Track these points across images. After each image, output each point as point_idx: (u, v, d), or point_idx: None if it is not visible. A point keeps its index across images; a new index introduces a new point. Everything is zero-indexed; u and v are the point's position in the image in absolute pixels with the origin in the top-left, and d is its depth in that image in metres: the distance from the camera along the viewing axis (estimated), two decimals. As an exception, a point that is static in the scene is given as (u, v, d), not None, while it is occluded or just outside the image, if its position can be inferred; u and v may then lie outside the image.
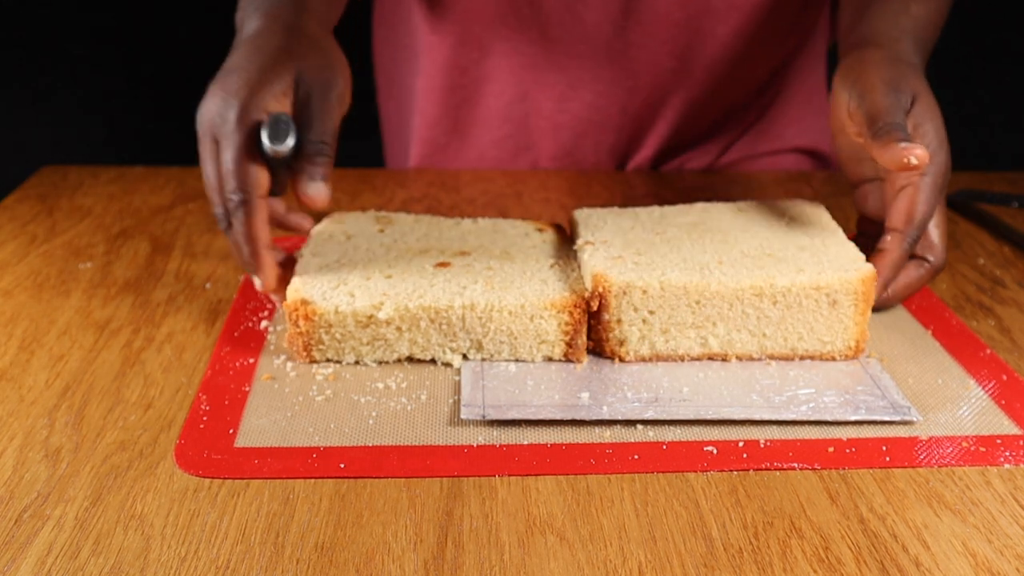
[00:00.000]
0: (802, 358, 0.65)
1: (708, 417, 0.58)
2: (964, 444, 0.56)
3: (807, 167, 1.09)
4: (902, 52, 0.73)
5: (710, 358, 0.65)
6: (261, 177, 0.63)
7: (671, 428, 0.57)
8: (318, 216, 0.75)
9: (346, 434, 0.57)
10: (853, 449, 0.56)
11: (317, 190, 0.64)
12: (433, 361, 0.65)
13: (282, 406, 0.59)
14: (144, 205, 0.93)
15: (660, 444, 0.56)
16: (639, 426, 0.58)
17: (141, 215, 0.91)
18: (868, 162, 0.71)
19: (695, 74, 0.98)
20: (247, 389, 0.61)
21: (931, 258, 0.69)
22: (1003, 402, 0.61)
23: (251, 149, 0.62)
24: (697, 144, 1.07)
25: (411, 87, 1.06)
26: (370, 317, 0.63)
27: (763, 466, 0.54)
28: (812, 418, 0.58)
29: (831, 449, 0.56)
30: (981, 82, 1.66)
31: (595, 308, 0.64)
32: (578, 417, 0.58)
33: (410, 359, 0.65)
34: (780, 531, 0.49)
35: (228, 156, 0.62)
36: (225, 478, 0.53)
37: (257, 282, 0.66)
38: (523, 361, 0.64)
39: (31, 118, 1.57)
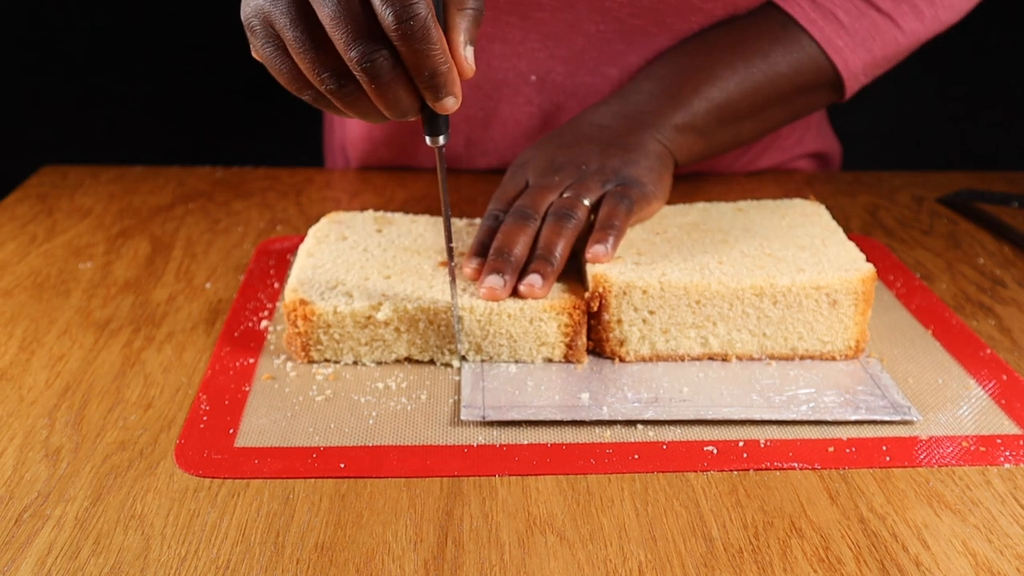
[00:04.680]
0: (802, 358, 0.65)
1: (708, 417, 0.58)
2: (964, 444, 0.56)
3: (813, 167, 1.09)
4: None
5: (710, 358, 0.65)
6: None
7: (671, 428, 0.57)
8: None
9: (346, 434, 0.57)
10: (853, 449, 0.56)
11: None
12: (432, 361, 0.65)
13: (282, 406, 0.59)
14: (144, 205, 0.93)
15: (660, 444, 0.56)
16: (639, 426, 0.58)
17: (141, 215, 0.91)
18: None
19: None
20: (247, 389, 0.61)
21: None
22: (1003, 402, 0.61)
23: None
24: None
25: None
26: (368, 318, 0.63)
27: (763, 466, 0.54)
28: (812, 418, 0.58)
29: (831, 449, 0.56)
30: (981, 82, 1.66)
31: (595, 308, 0.64)
32: (578, 418, 0.58)
33: (409, 359, 0.65)
34: (780, 531, 0.49)
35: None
36: (225, 478, 0.53)
37: (449, 102, 0.54)
38: (523, 362, 0.64)
39: (31, 118, 1.57)
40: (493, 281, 0.63)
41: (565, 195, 0.70)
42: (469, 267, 0.66)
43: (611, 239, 0.66)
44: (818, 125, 1.08)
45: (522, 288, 0.64)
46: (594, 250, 0.65)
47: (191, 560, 0.47)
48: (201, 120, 1.61)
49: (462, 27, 0.53)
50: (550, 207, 0.69)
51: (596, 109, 0.80)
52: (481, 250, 0.67)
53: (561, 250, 0.66)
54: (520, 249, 0.66)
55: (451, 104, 0.54)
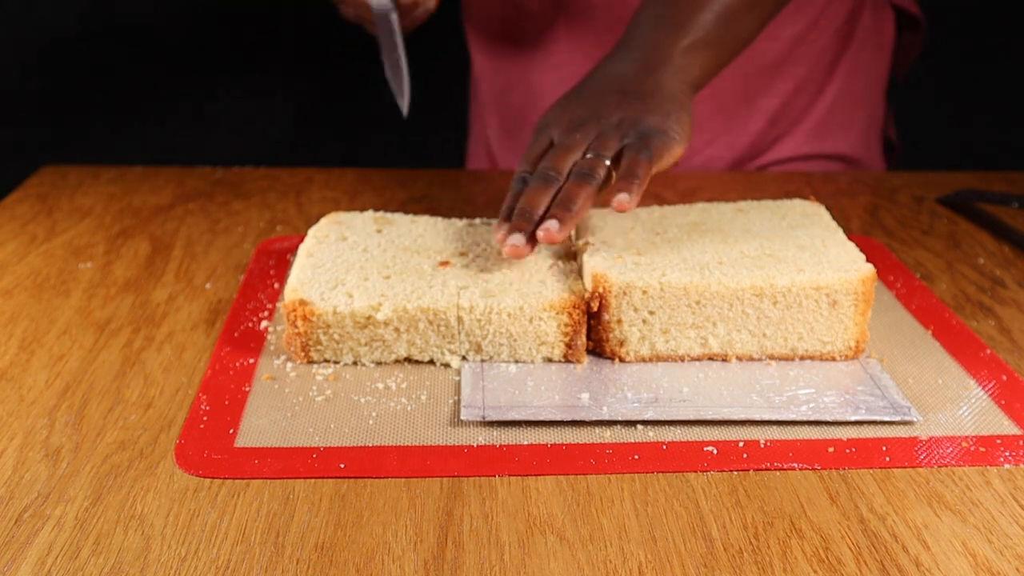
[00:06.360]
0: (802, 358, 0.65)
1: (708, 417, 0.58)
2: (964, 444, 0.56)
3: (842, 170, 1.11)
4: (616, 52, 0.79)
5: (710, 358, 0.65)
6: None
7: (671, 428, 0.57)
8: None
9: (346, 434, 0.57)
10: (853, 449, 0.56)
11: None
12: (432, 361, 0.65)
13: (282, 406, 0.59)
14: (144, 205, 0.93)
15: (660, 444, 0.56)
16: (639, 426, 0.58)
17: (141, 215, 0.91)
18: None
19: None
20: (247, 389, 0.61)
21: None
22: (1003, 402, 0.61)
23: None
24: (738, 141, 1.08)
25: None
26: (368, 318, 0.63)
27: (763, 466, 0.54)
28: (812, 418, 0.58)
29: (831, 449, 0.56)
30: (981, 82, 1.66)
31: (595, 309, 0.64)
32: (578, 418, 0.58)
33: (409, 359, 0.65)
34: (780, 531, 0.49)
35: None
36: (225, 478, 0.53)
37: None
38: (523, 362, 0.64)
39: (31, 118, 1.57)
40: (515, 239, 0.65)
41: (587, 155, 0.70)
42: (499, 233, 0.67)
43: (634, 187, 0.66)
44: (854, 125, 1.09)
45: (540, 233, 0.65)
46: (618, 198, 0.65)
47: (191, 560, 0.47)
48: (201, 120, 1.61)
49: None
50: (573, 167, 0.70)
51: (607, 60, 0.80)
52: (510, 215, 0.68)
53: (581, 202, 0.66)
54: (542, 209, 0.67)
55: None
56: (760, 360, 0.65)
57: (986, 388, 0.62)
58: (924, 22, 1.10)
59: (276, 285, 0.75)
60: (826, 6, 1.04)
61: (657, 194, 0.95)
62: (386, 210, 0.79)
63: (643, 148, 0.69)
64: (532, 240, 0.66)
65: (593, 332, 0.65)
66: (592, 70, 0.79)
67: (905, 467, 0.55)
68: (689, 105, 0.75)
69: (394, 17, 0.83)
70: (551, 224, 0.65)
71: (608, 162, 0.69)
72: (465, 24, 1.13)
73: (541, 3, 1.03)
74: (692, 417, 0.58)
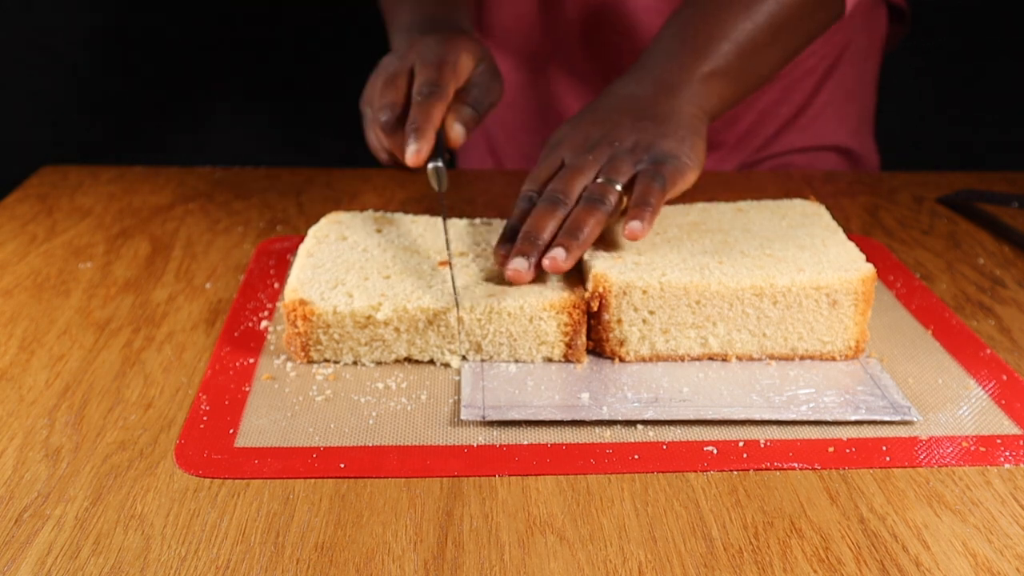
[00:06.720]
0: (802, 358, 0.65)
1: (708, 417, 0.58)
2: (964, 444, 0.56)
3: (842, 166, 1.10)
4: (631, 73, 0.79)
5: (710, 358, 0.65)
6: (450, 85, 0.76)
7: (671, 428, 0.57)
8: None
9: (346, 434, 0.57)
10: (853, 449, 0.56)
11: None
12: (432, 361, 0.65)
13: (282, 406, 0.59)
14: (144, 205, 0.93)
15: (660, 444, 0.56)
16: (639, 426, 0.58)
17: (141, 215, 0.91)
18: None
19: None
20: (247, 389, 0.61)
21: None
22: (1003, 402, 0.61)
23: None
24: (735, 138, 1.09)
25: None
26: (368, 318, 0.63)
27: (763, 466, 0.54)
28: (812, 418, 0.58)
29: (831, 449, 0.56)
30: (980, 82, 1.66)
31: (595, 308, 0.64)
32: (578, 417, 0.58)
33: (409, 359, 0.65)
34: (780, 531, 0.49)
35: (433, 64, 0.76)
36: (225, 478, 0.53)
37: (410, 150, 0.72)
38: (523, 362, 0.64)
39: (31, 118, 1.57)
40: (518, 263, 0.64)
41: (598, 180, 0.69)
42: (499, 252, 0.67)
43: (647, 215, 0.65)
44: (848, 117, 1.09)
45: (545, 262, 0.64)
46: (631, 226, 0.65)
47: (191, 560, 0.47)
48: (201, 120, 1.61)
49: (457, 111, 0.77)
50: (583, 192, 0.69)
51: (624, 80, 0.79)
52: (512, 235, 0.67)
53: (589, 229, 0.66)
54: (548, 234, 0.66)
55: (458, 132, 0.77)
56: (760, 360, 0.65)
57: (986, 388, 0.62)
58: (909, 13, 1.11)
59: (276, 285, 0.75)
60: (844, 39, 1.05)
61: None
62: (386, 210, 0.79)
63: (656, 175, 0.69)
64: (536, 266, 0.65)
65: (593, 332, 0.65)
66: (607, 89, 0.79)
67: (905, 467, 0.55)
68: (703, 132, 0.75)
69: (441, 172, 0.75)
70: (557, 253, 0.64)
71: (619, 187, 0.69)
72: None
73: (575, 17, 1.03)
74: (692, 417, 0.58)
